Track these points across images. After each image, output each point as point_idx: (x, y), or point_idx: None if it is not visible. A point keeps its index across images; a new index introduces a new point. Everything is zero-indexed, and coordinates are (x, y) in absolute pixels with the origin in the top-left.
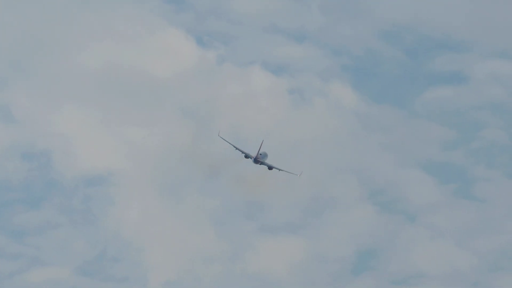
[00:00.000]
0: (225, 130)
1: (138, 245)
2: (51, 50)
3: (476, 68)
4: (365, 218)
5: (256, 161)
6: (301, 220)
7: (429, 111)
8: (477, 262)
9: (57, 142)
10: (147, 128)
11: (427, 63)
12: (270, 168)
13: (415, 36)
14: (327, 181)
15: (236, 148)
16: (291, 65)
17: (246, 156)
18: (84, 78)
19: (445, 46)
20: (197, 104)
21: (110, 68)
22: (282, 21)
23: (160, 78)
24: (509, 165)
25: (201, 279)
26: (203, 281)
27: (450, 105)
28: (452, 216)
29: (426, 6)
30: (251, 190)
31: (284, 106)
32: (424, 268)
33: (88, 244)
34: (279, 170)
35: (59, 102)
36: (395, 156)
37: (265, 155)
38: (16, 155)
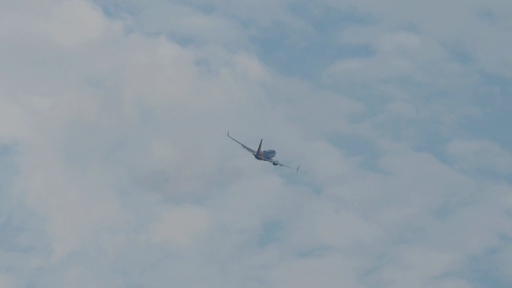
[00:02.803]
0: (131, 101)
1: (43, 215)
2: None
3: (383, 41)
4: (270, 189)
5: (258, 157)
6: (207, 191)
7: (336, 83)
8: (382, 234)
9: None
10: (53, 98)
11: (334, 36)
12: (274, 164)
13: (322, 8)
14: (233, 152)
15: (244, 147)
16: (198, 36)
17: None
18: None
19: (352, 18)
20: (103, 74)
21: (16, 37)
22: None
23: (66, 47)
24: (415, 138)
25: (105, 249)
26: (108, 251)
27: (357, 77)
28: (358, 188)
29: None
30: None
31: (190, 77)
32: (330, 240)
33: None
34: (281, 165)
35: None
36: (301, 128)
37: (270, 152)
38: None
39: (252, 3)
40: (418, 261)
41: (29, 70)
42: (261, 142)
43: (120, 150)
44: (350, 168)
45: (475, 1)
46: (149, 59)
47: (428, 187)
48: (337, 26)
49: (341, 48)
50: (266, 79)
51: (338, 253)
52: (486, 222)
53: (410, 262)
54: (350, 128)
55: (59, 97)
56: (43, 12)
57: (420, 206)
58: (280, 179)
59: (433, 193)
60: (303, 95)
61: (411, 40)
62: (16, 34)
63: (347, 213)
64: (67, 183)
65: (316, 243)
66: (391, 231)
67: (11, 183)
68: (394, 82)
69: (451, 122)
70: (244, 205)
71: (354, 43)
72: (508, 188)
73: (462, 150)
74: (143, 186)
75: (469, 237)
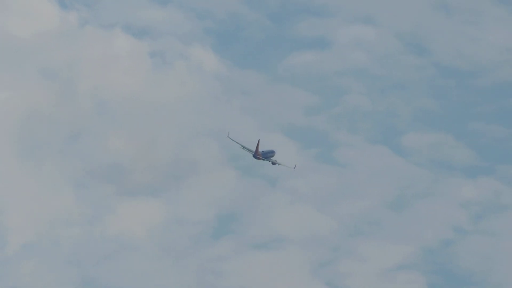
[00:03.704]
0: (87, 93)
1: None
2: None
3: (339, 33)
4: (226, 182)
5: (256, 157)
6: (162, 183)
7: (292, 76)
8: (337, 226)
9: None
10: (8, 90)
11: (290, 28)
12: (273, 163)
13: (278, 1)
14: (188, 145)
15: (244, 147)
16: (153, 28)
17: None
18: None
19: (308, 11)
20: (58, 66)
21: None
22: None
23: (21, 39)
24: (371, 131)
25: (60, 241)
26: (63, 243)
27: (313, 70)
28: (314, 180)
29: None
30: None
31: (145, 69)
32: (285, 232)
33: None
34: (279, 164)
35: None
36: (257, 120)
37: (269, 152)
38: None
39: None
40: (373, 254)
41: None
42: (258, 142)
43: (75, 142)
44: (306, 160)
45: None
46: (104, 51)
47: (383, 179)
48: (293, 19)
49: (297, 41)
50: (221, 71)
51: (294, 246)
52: (441, 214)
53: (365, 254)
54: (305, 121)
55: (14, 89)
56: None
57: (376, 198)
58: (235, 172)
59: (388, 185)
60: (259, 87)
61: (367, 32)
62: None
63: (303, 205)
64: (22, 175)
65: (271, 235)
66: (346, 223)
67: None
68: (350, 74)
69: (407, 114)
70: (199, 197)
71: (310, 35)
72: (463, 181)
73: (418, 142)
74: (98, 178)
75: (424, 229)
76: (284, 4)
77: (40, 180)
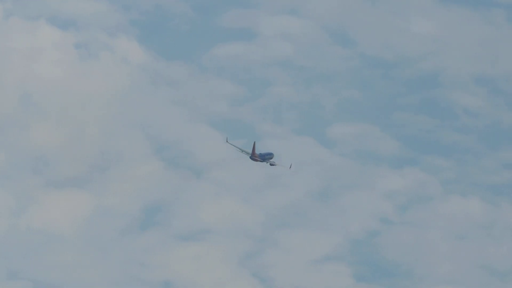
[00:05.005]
0: (11, 84)
1: None
2: None
3: (264, 24)
4: (151, 173)
5: (253, 159)
6: (88, 175)
7: (217, 67)
8: (263, 218)
9: None
10: None
11: (215, 19)
12: (271, 164)
13: None
14: (114, 136)
15: (242, 151)
16: (78, 20)
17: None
18: None
19: (232, 2)
20: None
21: None
22: None
23: None
24: (296, 122)
25: None
26: None
27: (239, 61)
28: (240, 172)
29: None
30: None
31: (71, 61)
32: (211, 224)
33: None
34: (275, 165)
35: None
36: (183, 112)
37: (267, 154)
38: None
39: None
40: (299, 245)
41: None
42: (254, 144)
43: (0, 134)
44: (232, 152)
45: None
46: (29, 43)
47: (309, 170)
48: (218, 10)
49: (222, 32)
50: (147, 62)
51: (219, 237)
52: (367, 205)
53: (291, 246)
54: (231, 112)
55: None
56: None
57: (302, 189)
58: (161, 163)
59: (314, 176)
60: (185, 78)
61: (293, 23)
62: None
63: (228, 196)
64: None
65: (197, 227)
66: (272, 214)
67: None
68: (275, 65)
69: (332, 105)
70: (125, 189)
71: (235, 26)
72: (388, 172)
73: (343, 133)
74: (23, 170)
75: (350, 220)
76: None
77: None
